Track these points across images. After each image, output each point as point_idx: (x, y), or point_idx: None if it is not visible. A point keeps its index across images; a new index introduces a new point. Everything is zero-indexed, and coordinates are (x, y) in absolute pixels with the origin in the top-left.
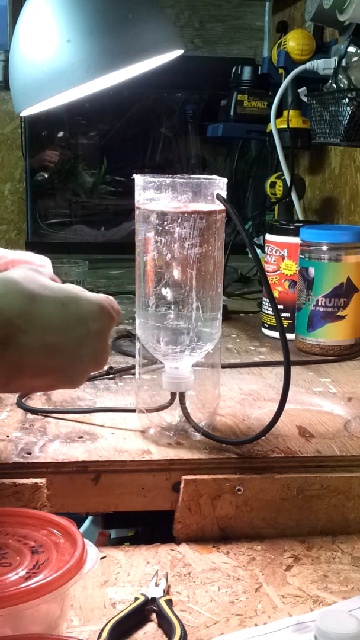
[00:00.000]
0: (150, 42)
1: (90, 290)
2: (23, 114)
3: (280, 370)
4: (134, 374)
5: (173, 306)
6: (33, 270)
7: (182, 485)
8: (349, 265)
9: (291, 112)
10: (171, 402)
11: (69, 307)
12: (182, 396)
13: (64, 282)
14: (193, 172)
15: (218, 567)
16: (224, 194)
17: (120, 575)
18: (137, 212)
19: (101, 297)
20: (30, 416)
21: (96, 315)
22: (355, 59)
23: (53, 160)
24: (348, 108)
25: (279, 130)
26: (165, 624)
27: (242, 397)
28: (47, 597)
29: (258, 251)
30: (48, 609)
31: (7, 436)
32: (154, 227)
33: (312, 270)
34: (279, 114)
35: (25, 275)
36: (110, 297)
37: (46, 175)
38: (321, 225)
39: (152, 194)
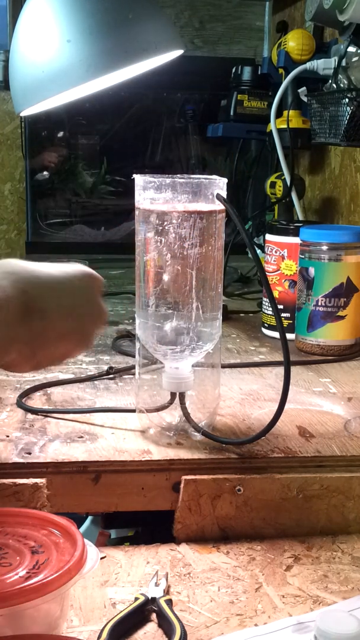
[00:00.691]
0: (150, 42)
1: None
2: (23, 114)
3: (280, 370)
4: (134, 374)
5: (173, 306)
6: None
7: (182, 485)
8: (349, 265)
9: (291, 112)
10: (171, 402)
11: (67, 273)
12: (182, 396)
13: None
14: (193, 172)
15: (218, 567)
16: (224, 194)
17: (120, 575)
18: (137, 212)
19: (82, 265)
20: (30, 416)
21: (90, 279)
22: (355, 59)
23: (53, 161)
24: (348, 108)
25: (279, 130)
26: (165, 624)
27: (242, 397)
28: (47, 597)
29: (258, 251)
30: (48, 609)
31: (7, 436)
32: (154, 227)
33: (312, 270)
34: (279, 114)
35: (15, 260)
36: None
37: (46, 174)
38: (321, 225)
39: (152, 194)
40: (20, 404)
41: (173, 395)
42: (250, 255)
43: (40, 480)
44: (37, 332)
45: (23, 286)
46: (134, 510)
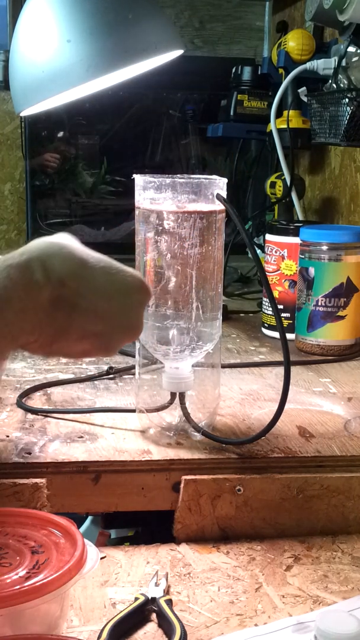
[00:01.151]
0: (150, 42)
1: None
2: (23, 114)
3: (280, 370)
4: (134, 374)
5: (173, 306)
6: (74, 237)
7: (182, 485)
8: (349, 265)
9: (291, 112)
10: (171, 402)
11: (116, 276)
12: (182, 396)
13: None
14: (193, 172)
15: (218, 567)
16: (224, 194)
17: (120, 575)
18: (137, 212)
19: (138, 273)
20: (30, 416)
21: (138, 288)
22: (355, 59)
23: (52, 165)
24: (348, 108)
25: (279, 130)
26: (165, 624)
27: (242, 397)
28: (47, 597)
29: (258, 251)
30: (48, 609)
31: (7, 436)
32: (154, 227)
33: (312, 270)
34: (279, 114)
35: (71, 240)
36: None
37: (47, 182)
38: (321, 225)
39: (152, 194)
40: (20, 404)
41: (173, 395)
42: (250, 255)
43: (40, 480)
44: (60, 326)
45: (63, 276)
46: (134, 510)
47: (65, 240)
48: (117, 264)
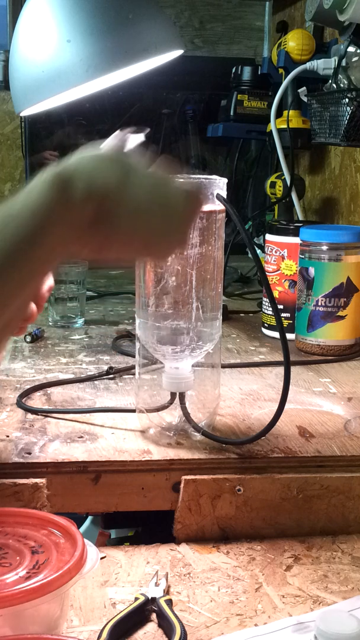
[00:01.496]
0: (150, 42)
1: (89, 290)
2: (23, 114)
3: (280, 370)
4: (134, 374)
5: (173, 306)
6: (126, 146)
7: (182, 485)
8: (349, 265)
9: (291, 112)
10: (171, 402)
11: (159, 191)
12: (182, 396)
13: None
14: (193, 172)
15: (218, 567)
16: (224, 194)
17: (120, 575)
18: None
19: (189, 184)
20: (30, 416)
21: (183, 204)
22: (355, 59)
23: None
24: (348, 108)
25: (279, 130)
26: (165, 624)
27: (242, 397)
28: (47, 597)
29: (258, 251)
30: (48, 609)
31: (7, 436)
32: None
33: (312, 270)
34: (279, 114)
35: (121, 151)
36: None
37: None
38: (321, 225)
39: None
40: (20, 404)
41: (173, 395)
42: (250, 255)
43: (40, 480)
44: (104, 236)
45: (105, 192)
46: (134, 510)
47: (116, 149)
48: (168, 177)
